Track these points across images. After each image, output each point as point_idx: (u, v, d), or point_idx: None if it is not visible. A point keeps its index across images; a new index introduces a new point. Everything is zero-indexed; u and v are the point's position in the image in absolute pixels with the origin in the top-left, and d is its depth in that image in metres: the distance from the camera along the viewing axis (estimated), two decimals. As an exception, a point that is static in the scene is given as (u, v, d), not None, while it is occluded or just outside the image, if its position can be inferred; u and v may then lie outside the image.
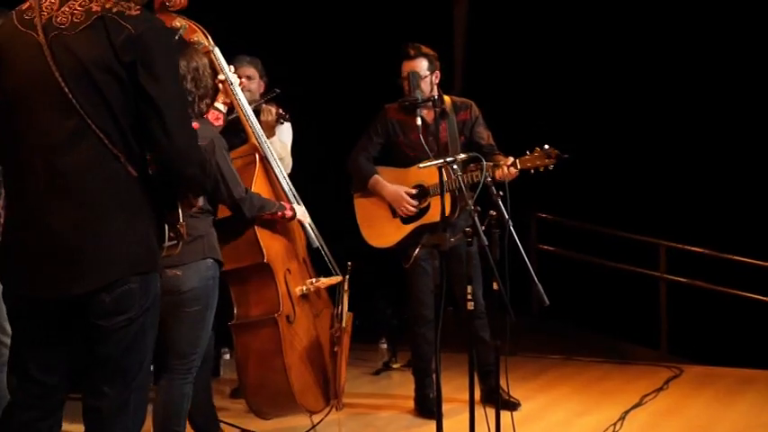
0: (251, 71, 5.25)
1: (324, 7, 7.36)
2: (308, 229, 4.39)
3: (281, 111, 4.90)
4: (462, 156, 4.09)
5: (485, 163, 4.25)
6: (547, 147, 4.75)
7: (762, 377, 6.31)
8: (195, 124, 3.58)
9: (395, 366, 6.68)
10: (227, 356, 6.28)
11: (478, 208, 3.91)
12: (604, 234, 8.42)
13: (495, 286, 3.82)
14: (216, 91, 3.84)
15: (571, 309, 7.99)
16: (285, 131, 5.12)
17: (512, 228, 3.84)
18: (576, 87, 8.82)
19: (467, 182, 4.66)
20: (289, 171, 4.71)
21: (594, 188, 7.64)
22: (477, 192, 3.99)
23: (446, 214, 4.38)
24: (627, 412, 5.25)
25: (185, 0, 3.64)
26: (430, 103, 4.95)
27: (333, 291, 4.49)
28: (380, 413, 5.37)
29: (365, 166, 5.17)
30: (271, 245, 4.11)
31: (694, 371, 6.54)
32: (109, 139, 2.53)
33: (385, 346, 7.03)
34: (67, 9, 2.56)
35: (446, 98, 5.14)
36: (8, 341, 3.32)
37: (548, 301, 3.79)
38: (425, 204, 5.02)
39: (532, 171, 4.78)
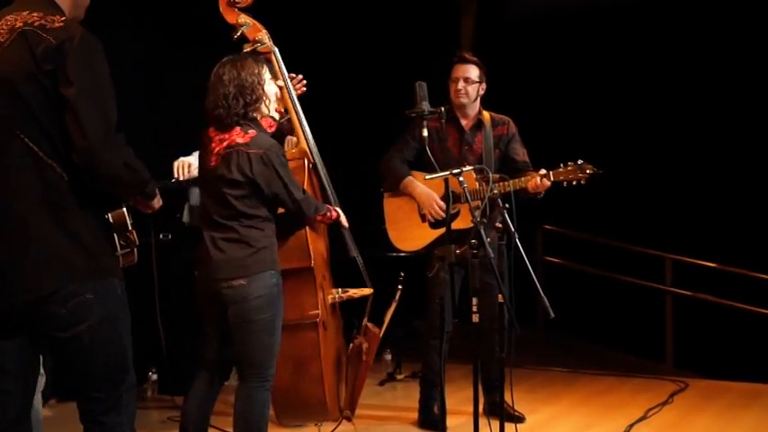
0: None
1: (331, 19, 7.38)
2: (347, 236, 4.35)
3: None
4: (468, 168, 4.08)
5: (491, 174, 4.23)
6: (581, 161, 4.76)
7: (767, 392, 6.29)
8: (252, 132, 3.64)
9: (399, 377, 6.68)
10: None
11: (499, 225, 4.00)
12: (611, 247, 8.43)
13: (500, 298, 3.84)
14: (270, 97, 3.78)
15: (577, 321, 7.98)
16: None
17: (518, 240, 3.85)
18: (583, 100, 8.84)
19: (498, 193, 4.52)
20: None
21: (601, 201, 7.62)
22: (485, 204, 4.01)
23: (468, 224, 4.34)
24: (631, 426, 5.24)
25: None
26: (471, 115, 5.08)
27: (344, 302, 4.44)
28: (385, 424, 5.37)
29: (400, 168, 5.15)
30: (316, 249, 4.09)
31: (700, 385, 6.53)
32: (40, 149, 2.59)
33: (390, 356, 7.02)
34: None
35: (485, 113, 5.20)
36: None
37: (553, 314, 3.78)
38: (455, 210, 4.95)
39: (565, 184, 4.80)
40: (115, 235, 2.77)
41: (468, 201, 3.91)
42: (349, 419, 4.41)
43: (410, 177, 5.10)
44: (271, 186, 3.66)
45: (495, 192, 4.43)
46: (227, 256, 3.64)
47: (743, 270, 7.71)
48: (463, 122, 5.12)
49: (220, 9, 3.87)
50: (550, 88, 8.90)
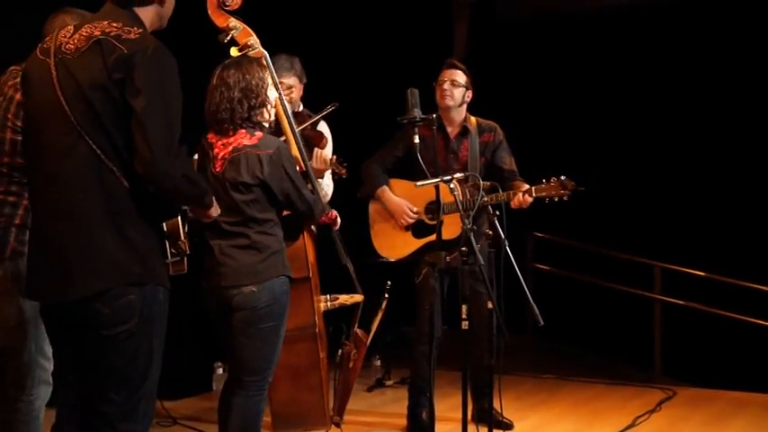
0: (292, 80, 4.78)
1: (322, 25, 7.37)
2: (338, 243, 4.31)
3: (338, 162, 4.58)
4: (459, 175, 4.04)
5: (481, 182, 4.20)
6: (563, 178, 4.73)
7: (755, 400, 6.31)
8: (259, 134, 3.61)
9: (388, 383, 6.68)
10: (221, 371, 6.26)
11: (489, 232, 4.00)
12: (600, 254, 8.45)
13: (489, 305, 3.83)
14: (271, 102, 3.76)
15: (566, 328, 7.99)
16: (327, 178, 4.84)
17: (507, 247, 3.85)
18: (575, 105, 8.86)
19: (492, 210, 4.33)
20: None
21: (591, 208, 7.64)
22: (474, 212, 4.01)
23: (454, 234, 4.31)
24: (619, 433, 5.25)
25: (241, 1, 3.62)
26: (457, 121, 5.07)
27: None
28: (373, 430, 5.36)
29: (377, 176, 5.13)
30: (311, 257, 4.08)
31: (688, 393, 6.54)
32: (104, 154, 2.66)
33: (379, 362, 7.02)
34: (76, 36, 2.75)
35: (472, 119, 5.17)
36: (49, 366, 3.39)
37: (542, 321, 3.79)
38: (436, 222, 4.67)
39: (546, 200, 4.77)
40: (167, 243, 2.86)
41: (459, 208, 3.90)
42: (338, 426, 4.41)
43: (384, 187, 5.11)
44: (282, 187, 3.62)
45: (486, 199, 4.46)
46: (238, 263, 3.57)
47: (732, 279, 7.74)
48: (449, 129, 5.11)
49: (209, 12, 3.84)
50: (542, 93, 8.92)
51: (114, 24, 2.72)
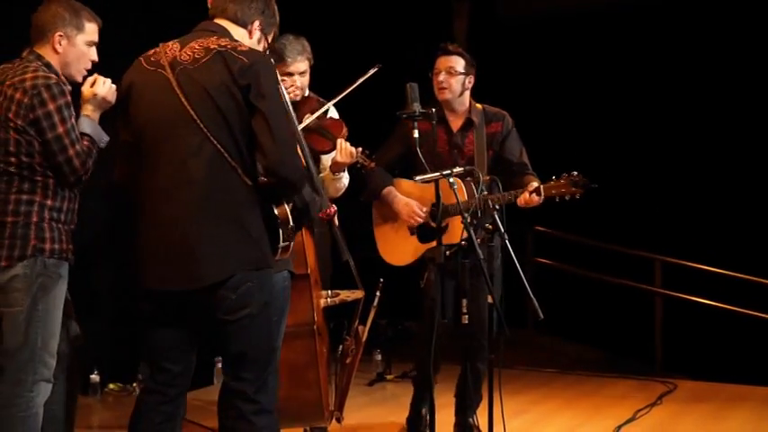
0: (304, 64, 4.39)
1: (322, 23, 7.38)
2: (340, 239, 4.24)
3: (364, 153, 4.34)
4: (458, 169, 3.94)
5: (480, 175, 4.11)
6: (575, 174, 4.39)
7: (755, 394, 6.33)
8: None
9: (389, 377, 6.69)
10: (220, 365, 6.26)
11: (489, 226, 3.94)
12: (601, 248, 8.44)
13: (489, 299, 3.84)
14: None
15: (566, 322, 8.00)
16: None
17: (507, 242, 3.85)
18: (576, 102, 8.86)
19: (492, 204, 4.28)
20: None
21: (591, 202, 7.62)
22: (478, 210, 3.92)
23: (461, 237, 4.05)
24: (620, 427, 5.26)
25: None
26: (459, 112, 4.68)
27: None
28: (375, 424, 5.38)
29: (381, 176, 4.72)
30: (310, 254, 4.07)
31: (688, 386, 6.55)
32: (228, 153, 2.98)
33: (379, 357, 7.03)
34: (188, 49, 3.08)
35: (477, 107, 4.76)
36: (53, 363, 3.42)
37: (542, 315, 3.79)
38: (444, 224, 4.48)
39: (557, 199, 4.42)
40: (280, 230, 3.13)
41: (460, 209, 3.83)
42: (339, 420, 4.42)
43: (390, 187, 4.73)
44: None
45: (490, 199, 4.32)
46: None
47: (733, 272, 7.74)
48: (451, 122, 4.70)
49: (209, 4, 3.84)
50: (542, 91, 8.91)
51: (222, 40, 3.07)
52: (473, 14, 8.93)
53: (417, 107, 3.99)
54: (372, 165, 4.35)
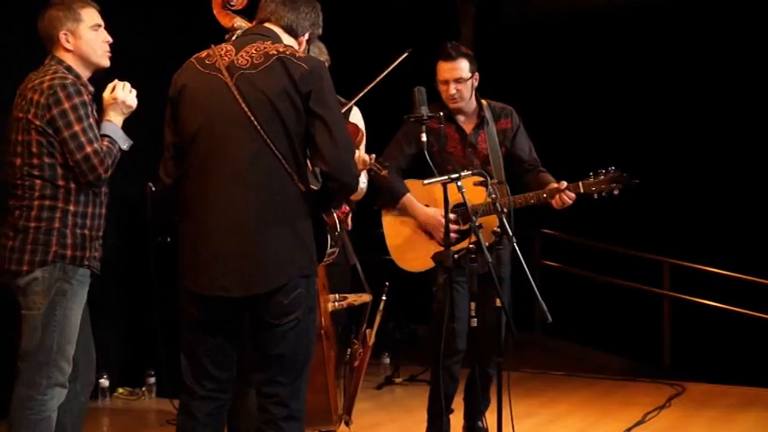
0: (324, 57, 4.35)
1: (327, 27, 7.39)
2: (347, 243, 4.26)
3: (378, 160, 4.29)
4: (466, 172, 3.89)
5: (489, 180, 3.98)
6: (613, 169, 4.39)
7: (765, 396, 6.31)
8: None
9: (397, 381, 6.69)
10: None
11: (497, 229, 3.87)
12: (609, 251, 8.44)
13: (497, 302, 3.83)
14: None
15: (574, 325, 7.99)
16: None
17: (516, 245, 3.84)
18: (582, 104, 8.85)
19: (510, 206, 4.27)
20: None
21: (599, 205, 7.64)
22: (502, 217, 3.83)
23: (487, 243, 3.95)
24: (629, 429, 5.26)
25: (246, 0, 3.64)
26: (469, 112, 4.55)
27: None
28: (383, 428, 5.37)
29: (394, 182, 4.52)
30: None
31: (697, 389, 6.54)
32: (285, 159, 2.99)
33: (388, 360, 7.03)
34: (245, 53, 3.07)
35: (483, 102, 4.63)
36: (68, 368, 3.46)
37: (551, 318, 3.78)
38: (466, 227, 4.34)
39: (596, 196, 4.37)
40: (329, 237, 3.22)
41: (468, 211, 3.81)
42: (347, 424, 4.42)
43: (409, 196, 4.55)
44: None
45: (518, 201, 4.29)
46: None
47: (741, 274, 7.73)
48: (463, 122, 4.57)
49: (214, 12, 3.85)
50: (548, 93, 8.90)
51: (279, 46, 3.07)
52: (479, 17, 8.92)
53: (425, 111, 3.99)
54: (384, 172, 4.28)
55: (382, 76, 4.38)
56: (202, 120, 3.04)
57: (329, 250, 3.23)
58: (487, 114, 4.60)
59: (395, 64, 4.40)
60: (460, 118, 4.58)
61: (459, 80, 4.47)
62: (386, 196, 4.59)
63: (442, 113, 4.32)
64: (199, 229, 3.05)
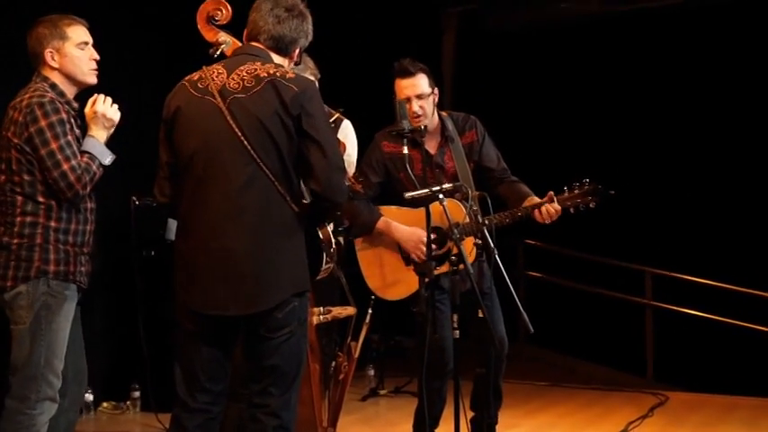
0: (311, 73, 4.30)
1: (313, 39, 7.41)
2: (334, 256, 4.26)
3: (354, 175, 4.25)
4: (447, 185, 3.85)
5: (470, 191, 3.99)
6: (587, 181, 4.26)
7: (746, 404, 6.35)
8: None
9: (382, 393, 6.70)
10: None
11: (479, 241, 3.90)
12: (591, 261, 8.48)
13: (480, 314, 3.83)
14: None
15: (557, 335, 8.03)
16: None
17: (497, 256, 3.86)
18: (565, 114, 8.90)
19: (493, 224, 4.16)
20: None
21: (581, 215, 7.69)
22: (460, 227, 3.85)
23: (471, 260, 3.92)
24: (612, 439, 5.28)
25: (230, 15, 3.65)
26: (432, 130, 4.36)
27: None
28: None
29: (366, 210, 4.39)
30: None
31: (680, 398, 6.57)
32: (278, 182, 3.04)
33: (372, 372, 7.03)
34: (236, 76, 3.11)
35: (444, 114, 4.47)
36: (57, 383, 3.46)
37: (532, 329, 3.80)
38: (445, 250, 4.24)
39: (572, 211, 4.24)
40: (324, 254, 3.30)
41: (445, 234, 3.81)
42: (331, 436, 4.43)
43: (384, 218, 4.38)
44: None
45: (494, 221, 4.17)
46: None
47: (722, 283, 7.78)
48: (426, 142, 4.36)
49: (198, 26, 3.86)
50: (531, 103, 8.96)
51: (269, 66, 3.11)
52: (462, 28, 8.96)
53: (407, 124, 3.99)
54: (359, 187, 4.18)
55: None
56: (197, 144, 3.09)
57: (324, 267, 3.29)
58: (450, 128, 4.43)
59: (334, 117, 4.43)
60: (424, 139, 4.34)
61: (420, 96, 4.29)
62: (360, 224, 4.42)
63: (423, 127, 4.28)
64: (195, 249, 3.11)
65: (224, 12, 3.62)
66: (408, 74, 4.30)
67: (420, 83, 4.30)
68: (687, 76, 8.49)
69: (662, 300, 8.01)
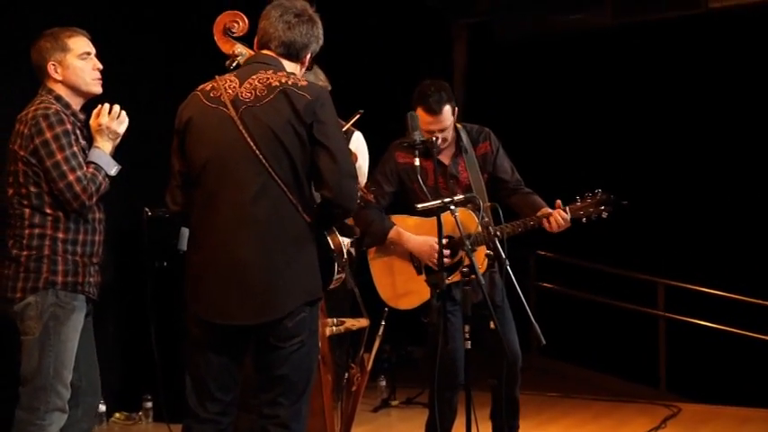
0: (321, 84, 4.22)
1: (321, 50, 7.44)
2: (346, 266, 4.24)
3: (366, 185, 4.20)
4: (459, 197, 3.85)
5: (481, 203, 3.99)
6: (600, 191, 4.29)
7: (759, 417, 6.31)
8: None
9: (394, 403, 6.69)
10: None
11: (490, 252, 3.91)
12: (603, 272, 8.46)
13: (492, 325, 3.83)
14: None
15: (569, 346, 8.00)
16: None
17: (509, 267, 3.85)
18: (572, 127, 8.89)
19: (505, 234, 4.19)
20: None
21: (594, 226, 7.68)
22: (472, 237, 3.85)
23: (482, 271, 3.97)
24: (624, 451, 5.27)
25: (247, 27, 3.67)
26: (448, 144, 4.40)
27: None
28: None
29: (378, 219, 4.43)
30: None
31: (692, 409, 6.54)
32: (290, 192, 3.05)
33: (384, 383, 7.03)
34: (248, 86, 3.11)
35: (458, 126, 4.48)
36: (66, 393, 3.49)
37: (544, 341, 3.79)
38: (457, 259, 4.31)
39: (584, 221, 4.28)
40: (336, 264, 3.29)
41: (457, 242, 3.81)
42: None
43: (396, 228, 4.43)
44: None
45: (507, 230, 4.20)
46: None
47: (736, 295, 7.75)
48: (440, 154, 4.38)
49: (215, 38, 3.88)
50: (542, 114, 8.96)
51: (280, 74, 3.12)
52: (472, 39, 8.98)
53: (418, 136, 4.00)
54: (370, 197, 4.15)
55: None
56: (209, 154, 3.11)
57: (336, 276, 3.31)
58: (465, 140, 4.47)
59: (347, 126, 4.38)
60: (439, 150, 4.35)
61: (443, 131, 4.33)
62: (373, 234, 4.45)
63: (435, 139, 4.27)
64: (206, 258, 3.12)
65: (240, 24, 3.64)
66: (433, 113, 4.28)
67: (445, 118, 4.30)
68: (702, 88, 8.47)
69: (675, 311, 7.98)
